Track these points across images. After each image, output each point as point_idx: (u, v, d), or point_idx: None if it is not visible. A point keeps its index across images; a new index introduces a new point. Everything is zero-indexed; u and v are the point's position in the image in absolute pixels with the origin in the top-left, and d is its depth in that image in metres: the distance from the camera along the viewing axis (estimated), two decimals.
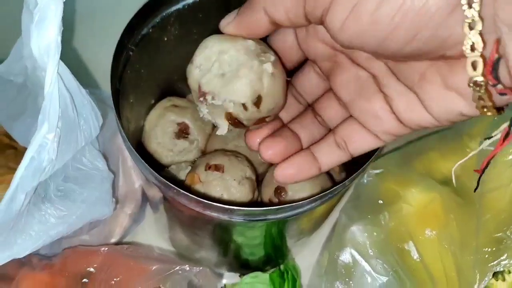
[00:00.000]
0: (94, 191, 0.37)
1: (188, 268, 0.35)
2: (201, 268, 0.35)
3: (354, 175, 0.36)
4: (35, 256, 0.43)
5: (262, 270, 0.52)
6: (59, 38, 0.29)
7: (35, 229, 0.34)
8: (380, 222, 0.37)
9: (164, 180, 0.33)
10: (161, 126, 0.47)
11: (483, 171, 0.27)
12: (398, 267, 0.34)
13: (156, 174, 0.33)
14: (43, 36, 0.28)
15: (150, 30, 0.41)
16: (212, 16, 0.44)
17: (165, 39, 0.43)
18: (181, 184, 0.43)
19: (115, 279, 0.36)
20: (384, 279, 0.35)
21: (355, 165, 0.37)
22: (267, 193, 0.45)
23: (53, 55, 0.28)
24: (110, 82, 0.36)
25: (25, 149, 0.54)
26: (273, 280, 0.50)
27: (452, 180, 0.41)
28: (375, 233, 0.36)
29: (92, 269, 0.38)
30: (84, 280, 0.38)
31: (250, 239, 0.45)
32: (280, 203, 0.43)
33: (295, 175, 0.30)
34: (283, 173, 0.30)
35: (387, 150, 0.47)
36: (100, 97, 0.47)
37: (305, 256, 0.55)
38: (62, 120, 0.30)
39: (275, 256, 0.51)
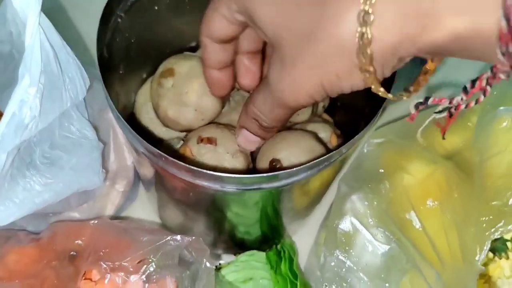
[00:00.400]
0: (83, 159, 0.35)
1: (179, 238, 0.33)
2: (193, 238, 0.33)
3: (350, 141, 0.35)
4: (22, 232, 0.41)
5: (260, 248, 0.50)
6: None
7: (20, 196, 0.33)
8: (380, 191, 0.36)
9: (154, 148, 0.32)
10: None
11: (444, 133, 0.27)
12: (401, 236, 0.32)
13: (145, 142, 0.32)
14: None
15: None
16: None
17: (156, 8, 0.41)
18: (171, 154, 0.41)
19: (103, 250, 0.35)
20: (386, 247, 0.33)
21: (350, 127, 0.35)
22: (262, 166, 0.43)
23: (34, 4, 0.26)
24: (96, 47, 0.35)
25: None
26: (270, 258, 0.48)
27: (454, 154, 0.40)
28: (375, 202, 0.35)
29: (80, 242, 0.37)
30: (72, 253, 0.36)
31: (245, 216, 0.43)
32: None
33: None
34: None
35: (388, 120, 0.46)
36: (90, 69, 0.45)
37: (302, 236, 0.54)
38: (45, 76, 0.29)
39: (271, 235, 0.49)
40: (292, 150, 0.42)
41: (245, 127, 0.32)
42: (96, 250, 0.35)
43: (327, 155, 0.34)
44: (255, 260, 0.47)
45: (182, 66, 0.41)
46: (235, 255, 0.50)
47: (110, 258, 0.34)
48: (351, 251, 0.33)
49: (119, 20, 0.39)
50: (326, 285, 0.33)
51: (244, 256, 0.48)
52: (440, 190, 0.35)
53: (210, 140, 0.41)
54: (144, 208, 0.54)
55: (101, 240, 0.36)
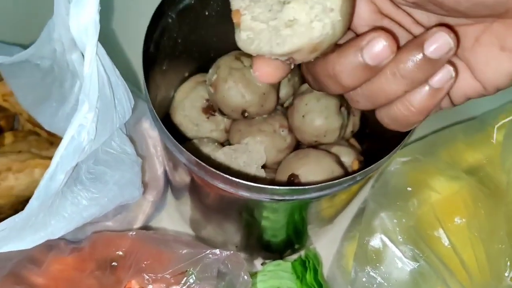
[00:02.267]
0: (125, 174, 0.37)
1: (218, 252, 0.35)
2: (231, 252, 0.35)
3: (381, 160, 0.36)
4: (62, 240, 0.43)
5: (282, 255, 0.52)
6: (98, 17, 0.29)
7: (68, 210, 0.35)
8: (409, 209, 0.37)
9: (195, 158, 0.33)
10: (190, 99, 0.48)
11: None
12: (430, 253, 0.34)
13: (188, 152, 0.34)
14: (81, 16, 0.28)
15: (192, 1, 0.41)
16: None
17: (206, 13, 0.44)
18: (206, 159, 0.43)
19: (145, 262, 0.36)
20: (415, 264, 0.35)
21: (376, 155, 0.37)
22: (281, 179, 0.45)
23: (92, 34, 0.28)
24: (144, 42, 0.37)
25: (48, 135, 0.54)
26: (295, 268, 0.50)
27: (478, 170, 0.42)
28: (404, 220, 0.36)
29: (121, 253, 0.38)
30: (114, 263, 0.38)
31: (273, 221, 0.45)
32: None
33: None
34: None
35: (412, 139, 0.47)
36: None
37: (324, 245, 0.55)
38: (100, 101, 0.30)
39: (295, 241, 0.51)
40: (311, 168, 0.44)
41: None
42: (138, 261, 0.37)
43: (360, 171, 0.36)
44: (281, 270, 0.49)
45: None
46: (262, 264, 0.52)
47: (152, 270, 0.36)
48: (381, 267, 0.35)
49: (170, 20, 0.41)
50: None
51: (271, 266, 0.50)
52: (466, 207, 0.37)
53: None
54: (172, 217, 0.56)
55: (141, 252, 0.38)
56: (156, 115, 0.34)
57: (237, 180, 0.32)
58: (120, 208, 0.47)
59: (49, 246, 0.41)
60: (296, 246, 0.52)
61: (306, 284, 0.48)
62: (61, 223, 0.34)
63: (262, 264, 0.51)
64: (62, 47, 0.41)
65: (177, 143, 0.34)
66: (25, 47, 0.47)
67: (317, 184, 0.33)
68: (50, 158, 0.50)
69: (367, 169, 0.35)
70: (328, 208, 0.45)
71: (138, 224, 0.51)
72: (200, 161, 0.33)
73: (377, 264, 0.35)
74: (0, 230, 0.31)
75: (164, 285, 0.36)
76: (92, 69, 0.29)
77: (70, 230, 0.35)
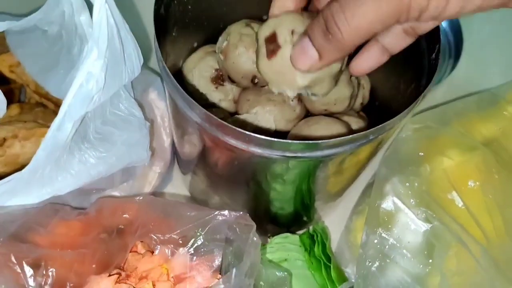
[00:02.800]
0: (133, 134, 0.36)
1: (227, 213, 0.34)
2: (240, 213, 0.34)
3: (395, 118, 0.36)
4: (67, 206, 0.42)
5: (290, 229, 0.52)
6: None
7: (75, 168, 0.34)
8: (421, 173, 0.37)
9: (210, 114, 0.33)
10: (199, 69, 0.47)
11: None
12: (444, 214, 0.33)
13: (202, 108, 0.33)
14: None
15: None
16: None
17: None
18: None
19: (152, 224, 0.36)
20: (428, 225, 0.34)
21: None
22: None
23: None
24: (154, 4, 0.36)
25: (55, 107, 0.53)
26: (303, 241, 0.49)
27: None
28: (416, 184, 0.36)
29: (127, 216, 0.38)
30: (120, 226, 0.38)
31: (282, 190, 0.44)
32: None
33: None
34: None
35: (423, 107, 0.47)
36: None
37: (332, 221, 0.55)
38: (109, 51, 0.30)
39: (304, 213, 0.50)
40: (322, 132, 0.43)
41: (308, 34, 0.30)
42: (144, 224, 0.37)
43: (367, 131, 0.35)
44: (289, 242, 0.49)
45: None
46: (268, 237, 0.51)
47: (159, 232, 0.36)
48: (394, 229, 0.34)
49: None
50: (369, 261, 0.34)
51: (278, 238, 0.49)
52: (479, 172, 0.36)
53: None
54: (178, 190, 0.55)
55: (148, 215, 0.37)
56: (168, 71, 0.34)
57: (249, 133, 0.32)
58: (127, 176, 0.46)
59: (55, 209, 0.40)
60: (304, 219, 0.51)
61: (314, 257, 0.47)
62: (68, 180, 0.33)
63: (268, 237, 0.50)
64: (71, 9, 0.40)
65: (189, 97, 0.33)
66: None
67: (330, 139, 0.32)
68: None
69: (379, 126, 0.34)
70: (337, 175, 0.44)
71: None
72: (211, 114, 0.32)
73: (389, 226, 0.34)
74: (6, 181, 0.30)
75: (172, 245, 0.36)
76: (102, 15, 0.28)
77: (77, 187, 0.34)
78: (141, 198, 0.40)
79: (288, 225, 0.52)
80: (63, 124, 0.29)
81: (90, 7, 0.35)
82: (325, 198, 0.49)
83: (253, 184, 0.44)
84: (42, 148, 0.30)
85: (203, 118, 0.35)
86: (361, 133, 0.35)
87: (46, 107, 0.55)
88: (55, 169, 0.32)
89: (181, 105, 0.36)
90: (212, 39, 0.51)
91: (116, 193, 0.47)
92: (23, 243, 0.35)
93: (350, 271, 0.49)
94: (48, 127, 0.50)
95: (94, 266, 0.35)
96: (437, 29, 0.39)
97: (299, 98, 0.48)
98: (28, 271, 0.33)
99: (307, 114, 0.49)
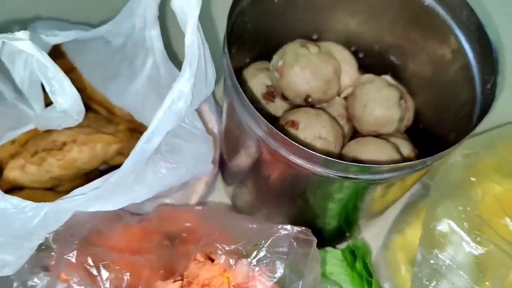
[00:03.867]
0: (199, 146, 0.38)
1: (289, 228, 0.36)
2: (302, 228, 0.36)
3: (452, 147, 0.38)
4: (127, 212, 0.44)
5: (332, 243, 0.53)
6: None
7: (149, 178, 0.36)
8: (472, 198, 0.39)
9: (278, 132, 0.35)
10: (251, 85, 0.49)
11: None
12: (499, 239, 0.35)
13: (271, 126, 0.35)
14: None
15: None
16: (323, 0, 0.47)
17: (276, 0, 0.45)
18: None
19: (216, 233, 0.38)
20: (484, 249, 0.36)
21: (428, 150, 0.38)
22: None
23: (195, 4, 0.30)
24: (227, 24, 0.38)
25: (107, 113, 0.55)
26: (345, 256, 0.51)
27: None
28: (468, 208, 0.37)
29: (189, 224, 0.40)
30: (183, 234, 0.40)
31: (331, 207, 0.46)
32: None
33: None
34: None
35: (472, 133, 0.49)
36: None
37: (370, 237, 0.57)
38: (197, 70, 0.32)
39: (347, 229, 0.52)
40: (373, 154, 0.45)
41: None
42: (208, 233, 0.39)
43: (426, 158, 0.37)
44: (332, 256, 0.50)
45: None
46: None
47: (224, 242, 0.37)
48: (449, 250, 0.36)
49: (245, 4, 0.42)
50: (426, 280, 0.36)
51: (322, 252, 0.51)
52: None
53: (293, 123, 0.44)
54: (220, 199, 0.57)
55: (210, 225, 0.39)
56: (239, 87, 0.36)
57: (316, 154, 0.34)
58: (182, 185, 0.48)
59: (118, 215, 0.42)
60: (347, 234, 0.53)
61: (356, 272, 0.49)
62: (143, 189, 0.35)
63: None
64: (143, 23, 0.43)
65: (257, 113, 0.35)
66: (93, 26, 0.49)
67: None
68: (111, 134, 0.52)
69: (438, 154, 0.36)
70: (384, 196, 0.46)
71: (192, 202, 0.53)
72: (278, 132, 0.34)
73: (445, 247, 0.36)
74: (93, 188, 0.32)
75: (236, 256, 0.38)
76: (194, 38, 0.30)
77: (150, 196, 0.36)
78: (200, 208, 0.42)
79: (331, 240, 0.53)
80: (152, 138, 0.31)
81: None
82: (368, 216, 0.51)
83: (301, 199, 0.46)
84: (130, 159, 0.32)
85: (267, 133, 0.37)
86: (420, 160, 0.37)
87: (98, 113, 0.57)
88: (132, 180, 0.34)
89: (246, 120, 0.38)
90: (263, 56, 0.53)
91: (167, 201, 0.50)
92: (95, 247, 0.36)
93: (387, 287, 0.51)
94: (103, 132, 0.52)
95: (161, 272, 0.37)
96: (492, 58, 0.41)
97: (348, 117, 0.50)
98: (104, 273, 0.34)
99: (354, 134, 0.52)
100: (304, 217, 0.50)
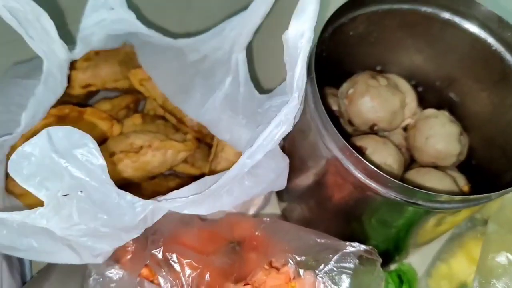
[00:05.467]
0: (279, 164, 0.43)
1: (356, 245, 0.40)
2: (370, 247, 0.40)
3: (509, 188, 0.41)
4: (196, 217, 0.49)
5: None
6: (314, 25, 0.35)
7: (235, 189, 0.40)
8: None
9: (358, 155, 0.39)
10: None
11: None
12: None
13: (351, 148, 0.39)
14: (300, 24, 0.34)
15: (346, 21, 0.48)
16: (388, 29, 0.51)
17: (351, 33, 0.50)
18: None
19: (287, 244, 0.42)
20: None
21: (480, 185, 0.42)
22: None
23: (307, 39, 0.34)
24: (315, 49, 0.43)
25: (176, 122, 0.60)
26: (393, 279, 0.55)
27: None
28: None
29: (259, 234, 0.44)
30: (254, 242, 0.44)
31: (386, 230, 0.50)
32: None
33: None
34: None
35: None
36: None
37: (414, 262, 0.60)
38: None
39: (395, 253, 0.56)
40: (435, 184, 0.49)
41: None
42: (278, 244, 0.43)
43: (491, 193, 0.41)
44: None
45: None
46: None
47: (294, 253, 0.42)
48: (507, 281, 0.40)
49: (326, 35, 0.47)
50: None
51: None
52: None
53: (360, 149, 0.48)
54: (271, 211, 0.61)
55: (280, 236, 0.44)
56: (324, 111, 0.40)
57: (393, 179, 0.38)
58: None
59: (191, 217, 0.47)
60: (396, 258, 0.56)
61: None
62: (230, 199, 0.40)
63: None
64: (231, 45, 0.48)
65: (341, 138, 0.39)
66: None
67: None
68: (180, 142, 0.57)
69: (504, 190, 0.40)
70: (438, 226, 0.50)
71: (249, 214, 0.57)
72: (360, 157, 0.38)
73: (503, 278, 0.40)
74: (193, 193, 0.36)
75: (305, 267, 0.42)
76: (304, 70, 0.35)
77: (234, 205, 0.40)
78: (269, 219, 0.46)
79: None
80: (255, 154, 0.36)
81: None
82: (418, 243, 0.55)
83: (358, 219, 0.50)
84: (232, 170, 0.36)
85: (344, 154, 0.41)
86: (486, 194, 0.40)
87: (167, 121, 0.62)
88: (226, 189, 0.38)
89: (324, 141, 0.43)
90: (329, 81, 0.58)
91: (233, 210, 0.54)
92: (178, 245, 0.41)
93: None
94: (173, 140, 0.57)
95: (233, 276, 0.41)
96: None
97: (407, 147, 0.54)
98: (187, 270, 0.39)
99: (410, 163, 0.56)
100: (356, 237, 0.54)
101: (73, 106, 0.54)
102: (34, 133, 0.48)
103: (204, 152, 0.61)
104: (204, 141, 0.61)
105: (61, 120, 0.53)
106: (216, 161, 0.55)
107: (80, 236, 0.36)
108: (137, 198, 0.35)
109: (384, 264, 0.58)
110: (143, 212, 0.35)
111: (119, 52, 0.61)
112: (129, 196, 0.35)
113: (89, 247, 0.37)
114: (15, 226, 0.39)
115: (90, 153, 0.33)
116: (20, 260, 0.54)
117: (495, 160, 0.53)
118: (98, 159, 0.33)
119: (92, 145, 0.33)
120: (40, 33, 0.39)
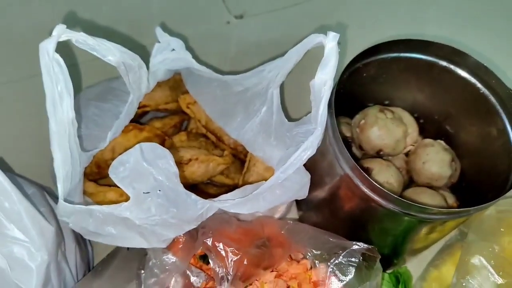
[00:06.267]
0: (303, 178, 0.56)
1: (360, 244, 0.53)
2: (371, 246, 0.52)
3: (489, 203, 0.53)
4: (234, 218, 0.61)
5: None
6: (333, 75, 0.48)
7: (268, 196, 0.53)
8: (500, 243, 0.54)
9: (368, 177, 0.51)
10: None
11: None
12: None
13: (361, 170, 0.52)
14: (324, 75, 0.47)
15: (360, 66, 0.60)
16: (395, 72, 0.64)
17: (364, 75, 0.62)
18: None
19: (306, 241, 0.54)
20: (504, 280, 0.51)
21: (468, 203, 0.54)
22: None
23: (329, 86, 0.47)
24: (336, 86, 0.55)
25: (216, 140, 0.73)
26: (391, 279, 0.67)
27: None
28: (496, 250, 0.53)
29: (284, 232, 0.57)
30: (280, 239, 0.56)
31: (387, 238, 0.62)
32: None
33: None
34: None
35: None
36: None
37: (410, 266, 0.72)
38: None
39: (395, 257, 0.68)
40: (428, 201, 0.61)
41: None
42: (299, 240, 0.55)
43: (472, 208, 0.53)
44: (381, 277, 0.66)
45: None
46: None
47: (313, 248, 0.54)
48: (478, 278, 0.52)
49: (344, 76, 0.60)
50: None
51: None
52: None
53: (367, 170, 0.60)
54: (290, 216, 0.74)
55: (301, 234, 0.56)
56: (340, 138, 0.53)
57: (392, 194, 0.50)
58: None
59: (230, 217, 0.59)
60: (395, 262, 0.68)
61: None
62: (265, 203, 0.53)
63: None
64: (268, 82, 0.61)
65: (352, 159, 0.52)
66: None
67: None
68: (220, 157, 0.69)
69: (480, 206, 0.52)
70: (428, 235, 0.62)
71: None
72: (370, 179, 0.51)
73: (475, 276, 0.52)
74: (239, 196, 0.49)
75: (319, 259, 0.54)
76: (326, 108, 0.48)
77: (267, 208, 0.53)
78: (291, 222, 0.59)
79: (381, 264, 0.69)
80: (287, 170, 0.49)
81: None
82: (413, 250, 0.67)
83: (363, 228, 0.62)
84: (269, 181, 0.49)
85: (355, 173, 0.54)
86: (465, 208, 0.52)
87: (207, 138, 0.75)
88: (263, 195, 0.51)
89: (340, 162, 0.55)
90: (344, 112, 0.70)
91: (258, 214, 0.67)
92: (223, 237, 0.54)
93: None
94: (214, 155, 0.69)
95: (267, 261, 0.53)
96: None
97: (407, 169, 0.67)
98: (231, 256, 0.51)
99: (409, 183, 0.68)
100: (359, 239, 0.66)
101: (135, 124, 0.68)
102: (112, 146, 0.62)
103: (237, 167, 0.73)
104: (238, 157, 0.73)
105: (124, 134, 0.67)
106: (249, 174, 0.68)
107: (154, 225, 0.49)
108: (199, 198, 0.48)
109: (384, 268, 0.70)
110: (202, 208, 0.48)
111: (170, 79, 0.74)
112: (193, 195, 0.48)
113: (158, 234, 0.50)
114: (100, 216, 0.52)
115: (168, 163, 0.46)
116: (87, 248, 0.67)
117: (482, 183, 0.65)
118: (173, 167, 0.46)
119: (169, 157, 0.46)
120: (137, 77, 0.53)
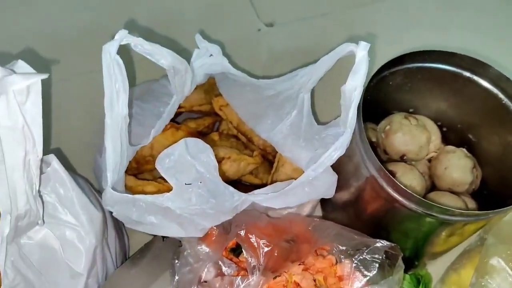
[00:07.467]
0: (331, 178, 0.60)
1: (384, 242, 0.57)
2: (393, 244, 0.56)
3: (508, 207, 0.57)
4: (264, 214, 0.66)
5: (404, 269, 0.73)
6: (363, 82, 0.53)
7: (298, 192, 0.58)
8: None
9: (394, 180, 0.56)
10: None
11: None
12: None
13: (387, 172, 0.56)
14: (355, 78, 0.52)
15: (387, 74, 0.65)
16: (420, 81, 0.68)
17: (390, 83, 0.67)
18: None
19: (332, 237, 0.59)
20: None
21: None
22: None
23: (359, 92, 0.52)
24: (363, 94, 0.60)
25: (246, 141, 0.78)
26: (412, 280, 0.71)
27: None
28: None
29: (310, 229, 0.61)
30: (306, 235, 0.61)
31: (409, 240, 0.66)
32: None
33: None
34: None
35: None
36: None
37: (431, 269, 0.75)
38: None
39: (416, 260, 0.71)
40: (448, 204, 0.65)
41: None
42: (325, 236, 0.60)
43: (490, 211, 0.57)
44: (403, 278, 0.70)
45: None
46: None
47: (339, 244, 0.58)
48: (496, 279, 0.55)
49: (371, 84, 0.64)
50: None
51: None
52: None
53: (391, 173, 0.65)
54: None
55: (327, 231, 0.61)
56: (368, 142, 0.57)
57: (417, 195, 0.55)
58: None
59: (260, 213, 0.64)
60: (416, 263, 0.72)
61: None
62: (295, 199, 0.58)
63: None
64: (300, 87, 0.66)
65: (378, 162, 0.56)
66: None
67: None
68: (250, 156, 0.74)
69: (499, 209, 0.56)
70: (448, 237, 0.66)
71: None
72: (395, 181, 0.55)
73: (493, 276, 0.55)
74: (272, 191, 0.54)
75: (344, 255, 0.58)
76: (356, 112, 0.53)
77: (296, 204, 0.58)
78: (318, 219, 0.64)
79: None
80: (317, 168, 0.54)
81: None
82: (434, 252, 0.71)
83: (386, 229, 0.66)
84: (300, 178, 0.54)
85: (380, 175, 0.58)
86: (485, 211, 0.56)
87: (238, 139, 0.80)
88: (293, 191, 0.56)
89: (367, 165, 0.60)
90: (371, 118, 0.75)
91: (282, 212, 0.71)
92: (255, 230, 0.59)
93: None
94: (245, 154, 0.75)
95: (294, 255, 0.58)
96: None
97: (430, 174, 0.71)
98: (262, 247, 0.56)
99: (432, 188, 0.72)
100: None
101: (173, 123, 0.73)
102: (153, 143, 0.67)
103: (266, 167, 0.78)
104: (267, 158, 0.78)
105: (163, 132, 0.72)
106: (277, 174, 0.73)
107: (193, 214, 0.54)
108: (235, 190, 0.53)
109: (405, 270, 0.74)
110: (237, 201, 0.53)
111: (205, 83, 0.80)
112: (231, 188, 0.53)
113: (196, 223, 0.55)
114: (143, 206, 0.57)
115: (208, 157, 0.52)
116: (124, 238, 0.73)
117: (503, 191, 0.69)
118: (213, 161, 0.51)
119: (210, 151, 0.52)
120: (182, 80, 0.58)
